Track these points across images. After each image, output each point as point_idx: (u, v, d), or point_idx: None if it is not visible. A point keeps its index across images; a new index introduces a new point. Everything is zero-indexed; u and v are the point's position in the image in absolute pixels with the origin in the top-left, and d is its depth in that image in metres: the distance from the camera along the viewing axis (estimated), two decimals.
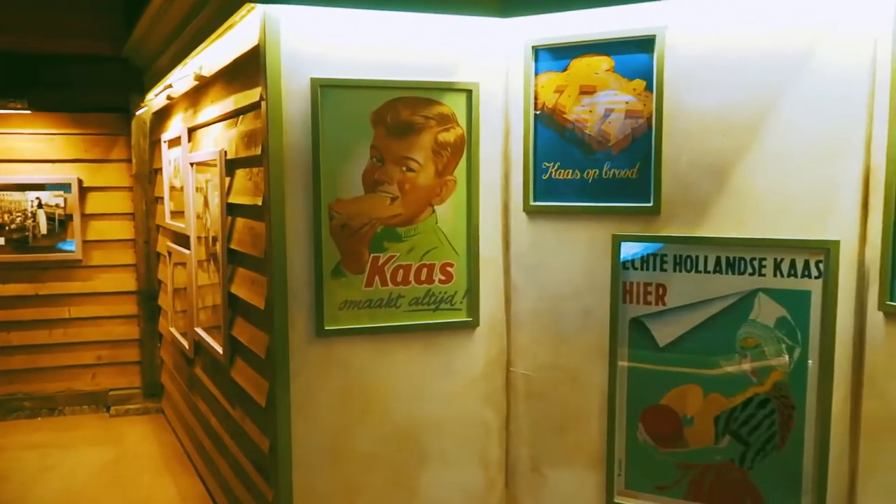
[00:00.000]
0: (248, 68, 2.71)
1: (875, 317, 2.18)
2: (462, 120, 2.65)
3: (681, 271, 2.46)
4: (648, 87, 2.46)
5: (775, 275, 2.33)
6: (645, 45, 2.45)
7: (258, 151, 2.61)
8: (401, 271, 2.64)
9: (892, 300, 2.11)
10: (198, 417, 4.00)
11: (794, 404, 2.34)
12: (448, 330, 2.71)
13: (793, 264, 2.31)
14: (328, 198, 2.54)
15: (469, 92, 2.63)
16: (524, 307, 2.74)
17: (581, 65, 2.56)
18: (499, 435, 2.82)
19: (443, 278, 2.69)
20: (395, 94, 2.56)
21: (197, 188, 3.64)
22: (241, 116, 2.91)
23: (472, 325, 2.72)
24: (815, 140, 2.25)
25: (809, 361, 2.30)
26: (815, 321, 2.29)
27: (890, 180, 2.10)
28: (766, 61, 2.28)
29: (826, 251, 2.25)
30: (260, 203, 2.62)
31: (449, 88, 2.62)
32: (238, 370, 3.05)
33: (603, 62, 2.53)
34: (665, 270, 2.48)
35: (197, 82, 3.52)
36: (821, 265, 2.27)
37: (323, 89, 2.49)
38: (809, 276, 2.29)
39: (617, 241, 2.53)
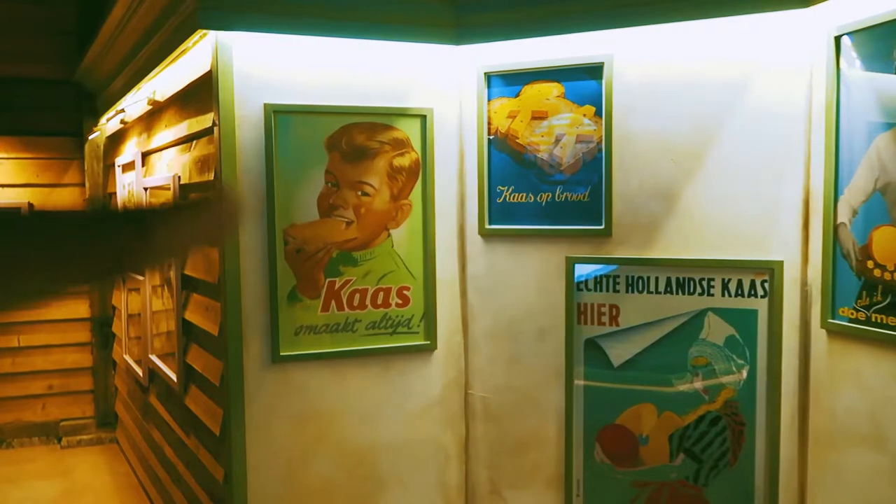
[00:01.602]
0: (202, 94, 2.70)
1: (818, 334, 2.24)
2: (417, 145, 2.67)
3: (633, 292, 2.51)
4: (598, 113, 2.52)
5: (723, 294, 2.40)
6: (593, 72, 2.51)
7: (211, 177, 2.59)
8: (357, 295, 2.64)
9: (833, 318, 2.18)
10: (152, 447, 3.91)
11: (745, 421, 2.40)
12: (405, 353, 2.71)
13: (739, 284, 2.38)
14: (283, 223, 2.53)
15: (423, 117, 2.66)
16: (481, 329, 2.76)
17: (532, 91, 2.61)
18: (457, 458, 2.82)
19: (399, 302, 2.69)
20: (349, 119, 2.58)
21: None
22: (194, 141, 2.89)
23: (429, 347, 2.73)
24: (757, 164, 2.33)
25: (758, 379, 2.36)
26: (762, 339, 2.36)
27: (827, 202, 2.18)
28: (707, 89, 2.36)
29: (770, 271, 2.32)
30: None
31: (403, 114, 2.64)
32: (192, 398, 2.99)
33: (554, 88, 2.59)
34: (618, 291, 2.53)
35: (151, 107, 3.49)
36: (766, 285, 2.34)
37: (276, 115, 2.49)
38: (756, 296, 2.36)
39: (570, 263, 2.57)
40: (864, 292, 2.07)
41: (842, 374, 2.17)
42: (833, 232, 2.16)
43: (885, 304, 2.01)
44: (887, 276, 1.99)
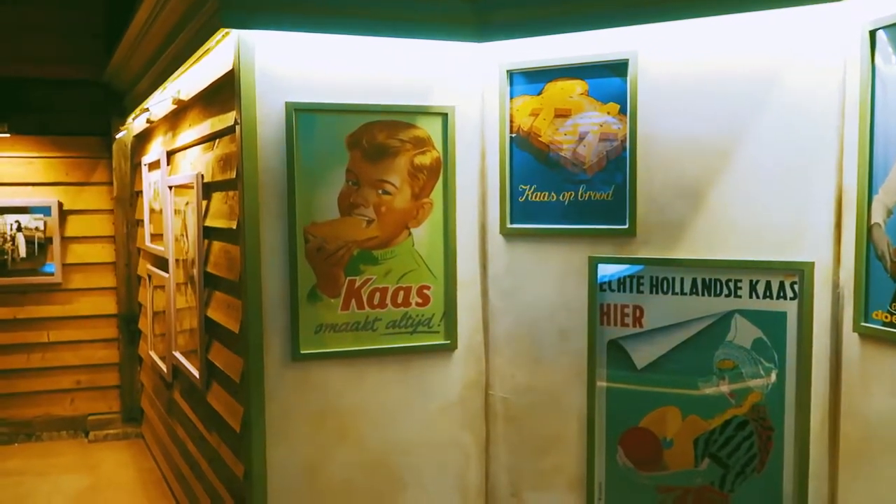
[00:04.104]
0: (224, 93, 2.71)
1: (850, 338, 2.18)
2: (438, 143, 2.65)
3: (657, 293, 2.45)
4: (622, 111, 2.48)
5: (751, 296, 2.34)
6: (618, 69, 2.46)
7: (233, 175, 2.59)
8: (377, 294, 2.62)
9: (866, 321, 2.11)
10: (176, 443, 3.94)
11: (773, 426, 2.33)
12: (425, 353, 2.69)
13: (768, 286, 2.31)
14: (303, 221, 2.53)
15: (445, 115, 2.64)
16: (502, 329, 2.73)
17: (555, 88, 2.57)
18: (478, 460, 2.79)
19: (420, 301, 2.67)
20: (370, 117, 2.56)
21: (175, 211, 3.62)
22: (217, 140, 2.90)
23: (449, 347, 2.70)
24: (788, 163, 2.27)
25: (787, 383, 2.30)
26: (792, 342, 2.29)
27: (861, 202, 2.11)
28: (735, 86, 2.30)
29: (800, 272, 2.26)
30: (235, 226, 2.60)
31: (424, 112, 2.62)
32: (214, 395, 3.01)
33: (577, 86, 2.55)
34: (642, 292, 2.48)
35: (175, 106, 3.52)
36: (795, 286, 2.27)
37: (298, 113, 2.49)
38: (785, 298, 2.30)
39: (593, 263, 2.52)
40: None
41: (875, 379, 2.10)
42: (867, 232, 2.10)
43: None
44: None
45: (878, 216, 2.06)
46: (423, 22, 2.54)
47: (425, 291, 2.67)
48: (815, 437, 2.28)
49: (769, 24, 2.25)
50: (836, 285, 2.23)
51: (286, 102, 2.48)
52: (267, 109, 2.47)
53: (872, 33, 2.05)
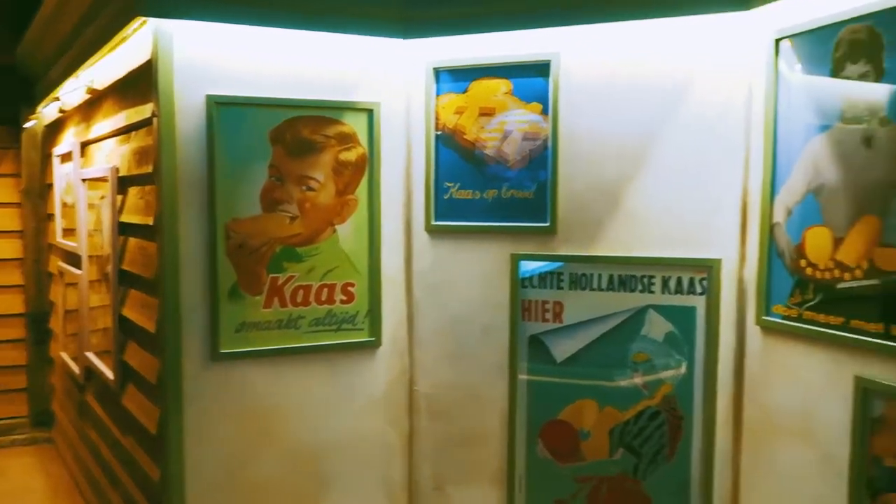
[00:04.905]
0: (141, 83, 2.62)
1: (753, 330, 2.30)
2: (363, 139, 2.64)
3: (577, 289, 2.53)
4: (545, 111, 2.54)
5: (663, 292, 2.44)
6: (541, 69, 2.52)
7: (150, 169, 2.51)
8: (301, 292, 2.60)
9: (767, 315, 2.24)
10: (88, 447, 3.78)
11: (682, 415, 2.45)
12: (350, 350, 2.68)
13: (679, 282, 2.42)
14: (224, 217, 2.48)
15: (371, 111, 2.63)
16: (426, 326, 2.75)
17: (481, 87, 2.61)
18: (402, 455, 2.81)
19: (344, 298, 2.66)
20: (294, 112, 2.53)
21: (89, 205, 3.47)
22: (133, 132, 2.80)
23: (374, 344, 2.71)
24: (698, 164, 2.38)
25: (695, 374, 2.41)
26: (700, 335, 2.41)
27: (764, 202, 2.23)
28: (649, 90, 2.40)
29: (709, 269, 2.37)
30: (152, 222, 2.52)
31: (350, 108, 2.61)
32: (129, 397, 2.91)
33: (502, 85, 2.59)
34: (562, 288, 2.55)
35: (90, 95, 3.37)
36: (704, 282, 2.39)
37: (219, 107, 2.43)
38: (694, 293, 2.41)
39: (515, 260, 2.58)
40: (797, 290, 2.13)
41: (775, 369, 2.23)
42: (769, 231, 2.22)
43: (815, 301, 2.07)
44: (818, 274, 2.06)
45: (779, 216, 2.19)
46: (350, 17, 2.53)
47: (350, 288, 2.67)
48: (721, 424, 2.40)
49: (682, 31, 2.35)
50: (740, 281, 2.36)
51: (207, 95, 2.42)
52: (186, 102, 2.40)
53: (777, 42, 2.16)
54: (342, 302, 2.66)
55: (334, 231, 2.63)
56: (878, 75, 1.88)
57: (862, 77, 1.92)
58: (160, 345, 2.46)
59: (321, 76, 2.57)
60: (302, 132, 2.55)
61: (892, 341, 1.86)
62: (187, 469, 2.47)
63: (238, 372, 2.55)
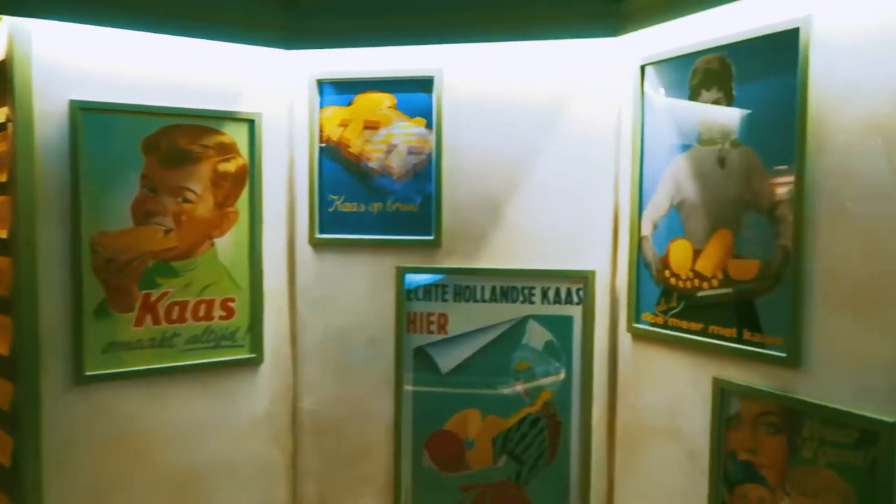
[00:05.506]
0: None
1: (624, 337, 2.45)
2: (244, 150, 2.57)
3: (460, 301, 2.58)
4: (429, 125, 2.58)
5: (543, 302, 2.54)
6: (425, 85, 2.56)
7: (5, 178, 2.31)
8: (176, 308, 2.48)
9: (637, 322, 2.38)
10: None
11: (561, 420, 2.55)
12: (230, 368, 2.59)
13: (557, 292, 2.53)
14: (90, 230, 2.32)
15: (252, 122, 2.56)
16: (311, 341, 2.70)
17: (365, 100, 2.61)
18: (286, 474, 2.74)
19: (224, 314, 2.56)
20: (170, 120, 2.42)
21: None
22: None
23: (255, 361, 2.63)
24: (574, 181, 2.50)
25: (573, 380, 2.53)
26: (577, 343, 2.53)
27: (633, 217, 2.38)
28: (529, 109, 2.50)
29: (585, 279, 2.50)
30: (6, 236, 2.31)
31: (230, 117, 2.53)
32: None
33: (386, 99, 2.60)
34: (446, 300, 2.59)
35: None
36: (581, 292, 2.51)
37: (84, 112, 2.28)
38: (571, 303, 2.53)
39: (401, 273, 2.59)
40: (663, 299, 2.28)
41: (643, 373, 2.38)
42: (637, 244, 2.37)
43: (679, 309, 2.23)
44: (681, 284, 2.22)
45: (646, 229, 2.35)
46: (230, 25, 2.45)
47: (230, 304, 2.57)
48: (597, 427, 2.53)
49: (559, 54, 2.47)
50: (613, 291, 2.50)
51: (70, 100, 2.26)
52: (47, 107, 2.23)
53: (643, 68, 2.32)
54: (221, 318, 2.56)
55: (213, 244, 2.53)
56: (729, 101, 2.06)
57: (715, 102, 2.10)
58: (15, 369, 2.26)
59: (200, 84, 2.47)
60: (178, 142, 2.44)
61: (744, 345, 2.03)
62: (46, 502, 2.28)
63: (107, 395, 2.39)
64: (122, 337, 2.39)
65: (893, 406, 1.70)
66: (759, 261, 1.98)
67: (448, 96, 2.54)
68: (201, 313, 2.52)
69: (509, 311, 2.55)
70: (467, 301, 2.57)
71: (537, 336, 2.54)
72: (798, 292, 1.88)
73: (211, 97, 2.49)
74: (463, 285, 2.57)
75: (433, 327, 2.59)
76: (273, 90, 2.62)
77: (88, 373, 2.33)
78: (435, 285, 2.59)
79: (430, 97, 2.56)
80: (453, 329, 2.58)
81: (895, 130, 1.68)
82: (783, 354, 1.92)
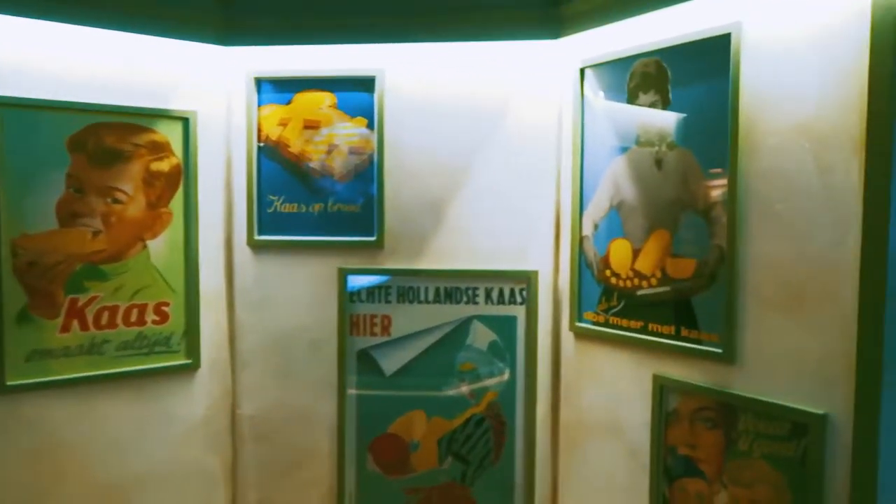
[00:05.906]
0: None
1: (567, 336, 2.47)
2: (178, 149, 2.48)
3: (404, 302, 2.56)
4: (370, 125, 2.54)
5: (486, 303, 2.54)
6: (366, 84, 2.53)
7: None
8: (106, 313, 2.37)
9: (579, 321, 2.41)
10: None
11: (506, 420, 2.56)
12: (164, 374, 2.49)
13: (501, 293, 2.53)
14: (11, 233, 2.20)
15: (186, 120, 2.48)
16: (250, 345, 2.63)
17: (304, 99, 2.56)
18: (224, 483, 2.65)
19: (157, 319, 2.47)
20: (98, 118, 2.31)
21: None
22: None
23: (191, 367, 2.54)
24: (516, 182, 2.51)
25: (517, 380, 2.54)
26: (521, 343, 2.54)
27: (574, 217, 2.41)
28: (471, 110, 2.50)
29: (528, 280, 2.51)
30: None
31: (163, 115, 2.44)
32: None
33: (326, 98, 2.56)
34: (389, 302, 2.56)
35: None
36: (524, 292, 2.52)
37: (4, 109, 2.16)
38: (515, 303, 2.53)
39: (343, 275, 2.55)
40: (604, 298, 2.31)
41: (586, 372, 2.40)
42: (579, 244, 2.40)
43: (619, 307, 2.26)
44: (621, 283, 2.25)
45: (587, 229, 2.37)
46: (162, 19, 2.36)
47: (163, 308, 2.48)
48: (541, 426, 2.54)
49: (500, 56, 2.47)
50: (555, 290, 2.52)
51: None
52: None
53: (582, 70, 2.35)
54: (154, 323, 2.46)
55: (145, 247, 2.44)
56: (665, 104, 2.11)
57: (652, 105, 2.14)
58: None
59: (131, 81, 2.37)
60: (106, 140, 2.33)
61: (681, 342, 2.08)
62: None
63: (31, 405, 2.26)
64: (47, 344, 2.27)
65: (822, 399, 1.77)
66: (696, 260, 2.03)
67: (390, 96, 2.51)
68: (133, 318, 2.42)
69: (453, 312, 2.54)
70: (411, 302, 2.55)
71: (481, 336, 2.54)
72: (732, 291, 1.93)
73: (143, 94, 2.40)
74: (406, 286, 2.55)
75: (376, 329, 2.56)
76: (209, 88, 2.54)
77: (11, 382, 2.21)
78: (378, 287, 2.56)
79: (372, 97, 2.52)
80: (397, 331, 2.55)
81: (821, 133, 1.75)
82: (719, 351, 1.97)
